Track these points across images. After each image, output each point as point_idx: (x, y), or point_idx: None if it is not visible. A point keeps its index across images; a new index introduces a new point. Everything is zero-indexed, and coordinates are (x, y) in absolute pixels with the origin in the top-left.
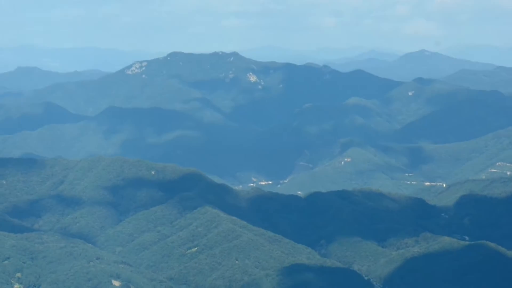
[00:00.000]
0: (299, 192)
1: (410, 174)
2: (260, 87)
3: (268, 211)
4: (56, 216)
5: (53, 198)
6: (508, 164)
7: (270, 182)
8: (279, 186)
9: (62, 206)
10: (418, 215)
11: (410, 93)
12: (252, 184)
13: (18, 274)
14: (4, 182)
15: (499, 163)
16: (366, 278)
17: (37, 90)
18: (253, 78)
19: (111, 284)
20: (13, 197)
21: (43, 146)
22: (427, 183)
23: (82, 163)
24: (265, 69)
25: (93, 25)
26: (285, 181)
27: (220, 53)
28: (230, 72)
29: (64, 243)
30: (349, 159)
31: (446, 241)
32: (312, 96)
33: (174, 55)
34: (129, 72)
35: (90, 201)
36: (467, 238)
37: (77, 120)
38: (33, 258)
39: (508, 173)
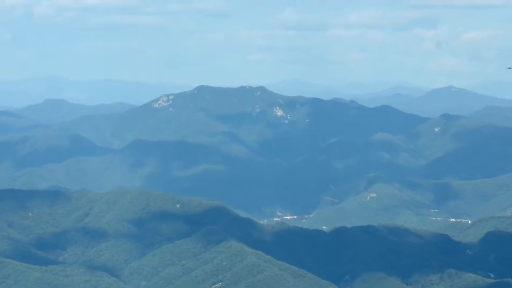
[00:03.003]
0: (324, 227)
1: (435, 210)
2: (286, 121)
3: (293, 246)
4: (81, 248)
5: (78, 231)
6: None
7: (295, 217)
8: (304, 220)
9: (87, 238)
10: (443, 251)
11: (436, 129)
12: (277, 219)
13: None
14: (30, 214)
15: None
16: None
17: (64, 122)
18: (279, 112)
19: None
20: (38, 229)
21: (69, 179)
22: (453, 219)
23: (107, 196)
24: (291, 103)
25: (120, 58)
26: (310, 216)
27: (247, 87)
28: (257, 106)
29: (89, 276)
30: (374, 195)
31: (471, 278)
32: (338, 131)
33: (201, 89)
34: (156, 105)
35: (115, 234)
36: (492, 275)
37: (103, 153)
38: None
39: None
